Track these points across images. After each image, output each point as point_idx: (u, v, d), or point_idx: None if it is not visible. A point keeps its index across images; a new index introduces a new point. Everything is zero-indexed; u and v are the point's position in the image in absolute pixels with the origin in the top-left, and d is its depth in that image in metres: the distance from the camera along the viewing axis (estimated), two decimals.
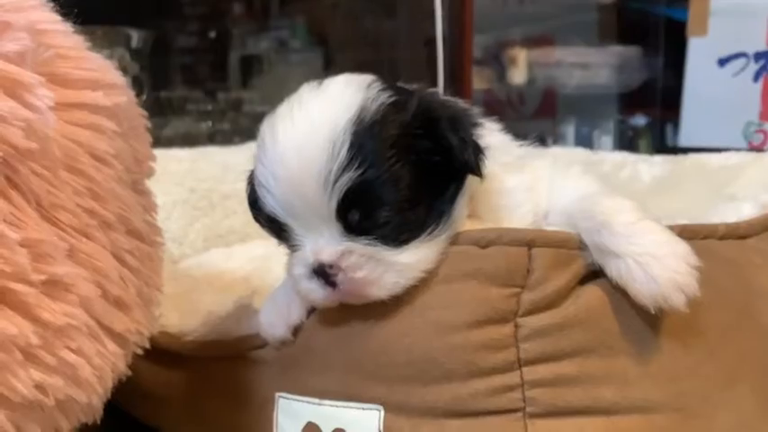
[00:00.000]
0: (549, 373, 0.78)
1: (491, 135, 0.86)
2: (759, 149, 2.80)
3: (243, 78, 3.12)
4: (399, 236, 0.77)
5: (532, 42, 3.41)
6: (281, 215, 0.79)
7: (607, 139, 3.50)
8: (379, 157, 0.75)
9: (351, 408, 0.83)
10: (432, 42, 2.81)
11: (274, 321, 0.88)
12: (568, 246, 0.79)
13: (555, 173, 0.88)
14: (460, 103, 0.85)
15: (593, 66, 3.36)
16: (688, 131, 3.00)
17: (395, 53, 3.22)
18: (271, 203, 0.79)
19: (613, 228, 0.76)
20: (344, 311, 0.82)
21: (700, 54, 2.90)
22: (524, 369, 0.78)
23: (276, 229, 0.82)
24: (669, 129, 3.56)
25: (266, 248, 1.54)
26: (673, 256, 0.74)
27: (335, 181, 0.74)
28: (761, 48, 2.75)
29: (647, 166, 1.67)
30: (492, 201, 0.84)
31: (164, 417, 1.04)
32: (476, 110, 0.85)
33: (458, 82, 2.77)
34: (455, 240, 0.80)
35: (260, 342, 0.92)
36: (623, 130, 3.58)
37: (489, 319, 0.78)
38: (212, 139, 2.65)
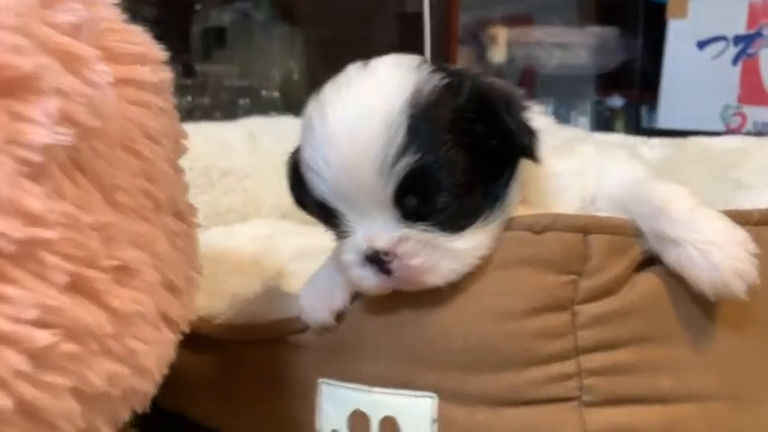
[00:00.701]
0: (606, 361, 0.77)
1: (537, 118, 0.84)
2: (736, 133, 2.84)
3: (205, 51, 3.05)
4: (456, 222, 0.75)
5: (513, 21, 3.40)
6: (332, 200, 0.77)
7: (584, 120, 3.51)
8: (435, 141, 0.73)
9: (402, 395, 0.81)
10: (404, 18, 2.78)
11: (317, 306, 0.86)
12: (624, 232, 0.78)
13: (601, 157, 0.87)
14: (509, 85, 0.82)
15: (572, 46, 3.37)
16: (666, 113, 3.02)
17: (365, 29, 3.17)
18: (321, 188, 0.77)
19: (672, 214, 0.75)
20: (394, 298, 0.80)
21: (679, 36, 2.92)
22: (581, 357, 0.77)
23: (325, 214, 0.79)
24: (645, 110, 3.58)
25: (268, 228, 1.52)
26: (733, 243, 0.74)
27: (392, 166, 0.72)
28: (740, 31, 2.77)
29: (648, 149, 1.66)
30: (540, 185, 0.83)
31: (193, 404, 1.00)
32: (522, 92, 0.82)
33: (443, 60, 2.74)
34: (508, 225, 0.79)
35: (299, 326, 0.90)
36: (600, 110, 3.59)
37: (546, 306, 0.77)
38: (191, 114, 2.60)
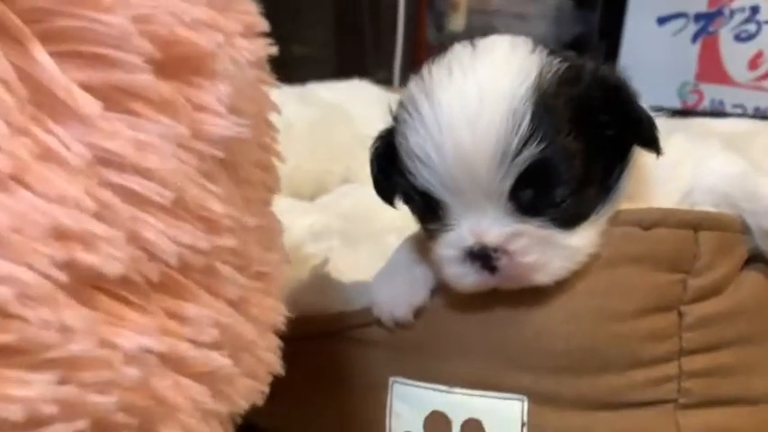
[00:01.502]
0: (707, 362, 0.75)
1: None
2: (692, 109, 2.87)
3: None
4: (572, 217, 0.70)
5: None
6: (438, 191, 0.70)
7: None
8: (559, 131, 0.68)
9: (488, 397, 0.76)
10: None
11: (395, 301, 0.80)
12: (733, 229, 0.75)
13: (695, 147, 0.83)
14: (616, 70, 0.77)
15: (530, 16, 3.34)
16: None
17: None
18: (427, 177, 0.70)
19: None
20: (486, 295, 0.74)
21: (639, 11, 2.92)
22: (683, 359, 0.74)
23: (425, 206, 0.73)
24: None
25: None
26: None
27: (516, 156, 0.66)
28: (701, 9, 2.79)
29: None
30: (640, 177, 0.78)
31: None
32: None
33: (412, 26, 2.69)
34: (615, 220, 0.74)
35: (364, 320, 0.83)
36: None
37: (656, 307, 0.73)
38: None
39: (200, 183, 0.41)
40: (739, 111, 2.73)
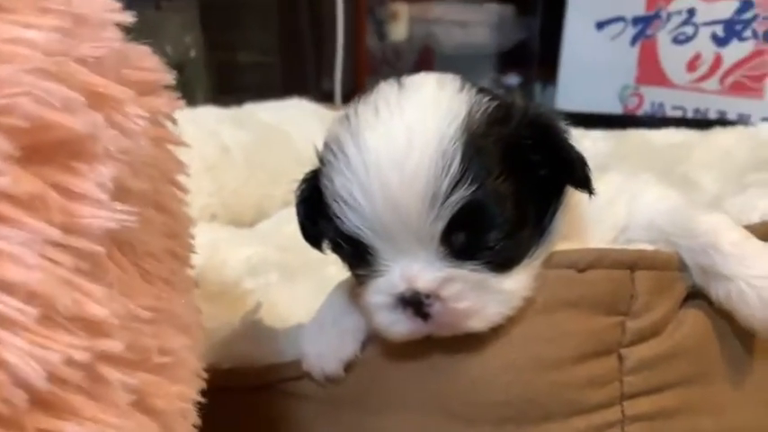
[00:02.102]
0: (650, 406, 0.73)
1: None
2: (633, 113, 2.89)
3: None
4: (505, 260, 0.68)
5: None
6: (367, 236, 0.67)
7: None
8: (490, 172, 0.65)
9: None
10: None
11: (324, 354, 0.76)
12: (670, 267, 0.73)
13: (629, 183, 0.81)
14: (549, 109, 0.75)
15: (472, 24, 3.33)
16: (564, 93, 3.03)
17: None
18: (354, 221, 0.67)
19: (722, 248, 0.70)
20: (421, 344, 0.71)
21: (578, 16, 2.93)
22: (625, 403, 0.72)
23: (354, 251, 0.69)
24: (538, 89, 3.61)
25: (206, 235, 1.39)
26: None
27: (446, 198, 0.64)
28: (639, 12, 2.81)
29: (591, 142, 1.63)
30: (574, 216, 0.76)
31: None
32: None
33: (352, 36, 2.66)
34: (550, 262, 0.72)
35: (295, 372, 0.80)
36: (496, 89, 3.59)
37: (595, 351, 0.71)
38: None
39: (77, 284, 0.36)
40: (680, 113, 2.75)
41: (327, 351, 0.76)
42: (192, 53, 2.70)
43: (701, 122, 2.44)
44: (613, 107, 2.88)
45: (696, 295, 0.75)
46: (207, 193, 1.51)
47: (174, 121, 0.59)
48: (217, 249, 1.30)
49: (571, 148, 0.69)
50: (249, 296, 1.16)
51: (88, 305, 0.36)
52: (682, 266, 0.73)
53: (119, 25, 0.50)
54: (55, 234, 0.35)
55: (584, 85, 2.94)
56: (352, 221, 0.67)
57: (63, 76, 0.40)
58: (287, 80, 3.09)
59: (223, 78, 2.91)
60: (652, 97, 2.84)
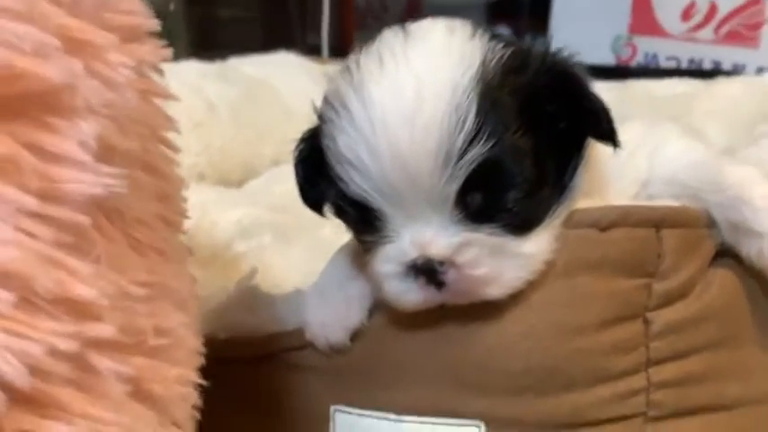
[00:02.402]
0: (676, 372, 0.68)
1: None
2: (626, 63, 2.84)
3: None
4: (525, 222, 0.62)
5: None
6: (374, 199, 0.61)
7: None
8: (507, 127, 0.60)
9: (441, 424, 0.68)
10: None
11: (328, 323, 0.71)
12: (698, 224, 0.68)
13: (652, 134, 0.75)
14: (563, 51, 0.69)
15: None
16: (556, 45, 2.96)
17: None
18: (360, 185, 0.61)
19: (753, 202, 0.66)
20: (434, 312, 0.66)
21: None
22: (651, 370, 0.68)
23: (360, 216, 0.64)
24: (529, 39, 3.52)
25: (194, 196, 1.33)
26: None
27: (461, 157, 0.58)
28: None
29: None
30: (594, 171, 0.71)
31: None
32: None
33: None
34: (570, 221, 0.67)
35: (298, 342, 0.75)
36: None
37: (618, 316, 0.66)
38: None
39: (60, 261, 0.31)
40: (673, 63, 2.70)
41: (332, 319, 0.71)
42: (171, 6, 2.61)
43: (694, 73, 2.38)
44: (606, 58, 2.83)
45: (725, 253, 0.70)
46: (194, 153, 1.45)
47: (160, 72, 0.53)
48: (206, 211, 1.24)
49: (594, 97, 0.63)
50: (242, 260, 1.11)
51: (73, 285, 0.31)
52: (710, 223, 0.69)
53: None
54: (31, 203, 0.29)
55: (575, 35, 2.86)
56: (357, 184, 0.61)
57: (34, 17, 0.34)
58: (269, 35, 3.00)
59: (203, 34, 2.82)
60: (645, 47, 2.78)
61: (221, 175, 1.52)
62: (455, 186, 0.59)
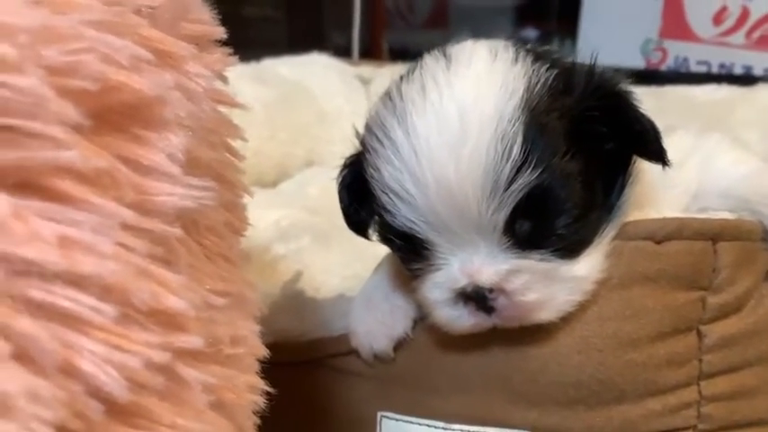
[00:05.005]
0: (728, 385, 0.68)
1: None
2: (656, 67, 2.82)
3: None
4: (575, 245, 0.62)
5: None
6: (422, 229, 0.61)
7: None
8: (555, 152, 0.59)
9: None
10: None
11: (374, 332, 0.71)
12: (754, 237, 0.68)
13: (702, 145, 0.75)
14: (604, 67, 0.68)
15: None
16: (585, 47, 2.95)
17: None
18: (408, 215, 0.61)
19: None
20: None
21: None
22: (702, 383, 0.67)
23: (407, 246, 0.64)
24: (557, 43, 3.52)
25: None
26: None
27: (509, 185, 0.57)
28: None
29: None
30: (643, 184, 0.70)
31: None
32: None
33: None
34: (625, 233, 0.66)
35: (345, 347, 0.75)
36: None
37: (674, 329, 0.66)
38: None
39: (153, 273, 0.31)
40: (704, 68, 2.68)
41: (377, 328, 0.71)
42: None
43: (725, 77, 2.37)
44: (635, 62, 2.81)
45: None
46: None
47: (225, 81, 0.53)
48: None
49: (643, 117, 0.63)
50: (280, 262, 1.11)
51: (165, 297, 0.31)
52: (766, 236, 0.68)
53: None
54: (128, 216, 0.29)
55: (605, 38, 2.85)
56: (404, 215, 0.61)
57: (125, 29, 0.34)
58: (295, 35, 3.01)
59: (229, 33, 2.82)
60: (676, 51, 2.76)
61: (257, 176, 1.52)
62: (503, 215, 0.58)
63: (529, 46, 0.66)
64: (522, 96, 0.59)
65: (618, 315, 0.65)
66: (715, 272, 0.66)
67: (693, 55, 2.71)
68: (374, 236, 0.71)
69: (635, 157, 0.66)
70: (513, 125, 0.58)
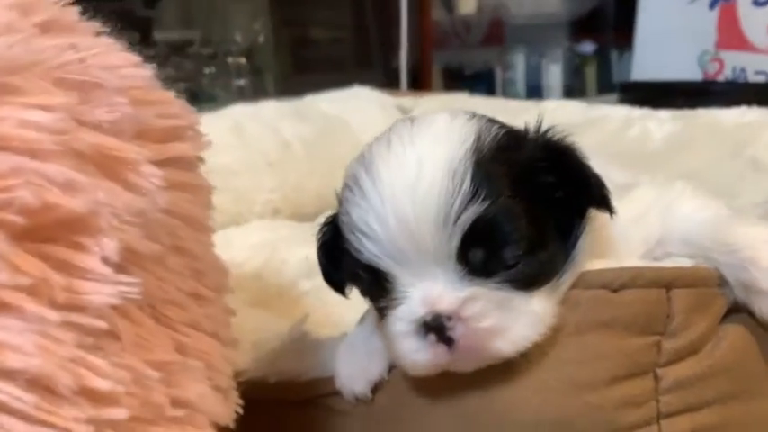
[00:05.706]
0: (688, 424, 0.71)
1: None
2: (713, 79, 2.80)
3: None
4: (529, 279, 0.67)
5: None
6: (385, 263, 0.68)
7: (555, 68, 3.44)
8: (501, 191, 0.66)
9: None
10: None
11: (354, 375, 0.78)
12: (709, 284, 0.72)
13: (664, 194, 0.79)
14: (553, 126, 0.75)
15: None
16: (641, 60, 2.95)
17: None
18: (371, 250, 0.68)
19: (763, 263, 0.69)
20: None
21: None
22: (663, 422, 0.71)
23: (374, 281, 0.70)
24: (615, 56, 3.52)
25: (267, 233, 1.43)
26: None
27: (458, 216, 0.65)
28: None
29: (657, 124, 1.59)
30: (602, 235, 0.75)
31: None
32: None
33: (417, 11, 2.65)
34: (581, 282, 0.71)
35: (333, 388, 0.81)
36: (570, 57, 3.52)
37: (629, 372, 0.70)
38: None
39: (81, 360, 0.38)
40: (762, 78, 2.66)
41: (356, 371, 0.78)
42: (261, 38, 2.74)
43: None
44: (693, 74, 2.80)
45: (738, 309, 0.73)
46: (268, 189, 1.55)
47: (201, 162, 0.61)
48: (276, 249, 1.33)
49: (587, 168, 0.69)
50: (304, 298, 1.19)
51: (90, 379, 0.38)
52: (722, 282, 0.72)
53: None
54: (56, 317, 0.37)
55: (661, 51, 2.85)
56: (369, 250, 0.68)
57: (69, 151, 0.42)
58: (356, 55, 3.10)
59: (296, 56, 2.93)
60: (733, 62, 2.74)
61: (296, 209, 1.61)
62: (455, 243, 0.65)
63: (488, 117, 0.73)
64: (473, 145, 0.67)
65: (574, 359, 0.70)
66: (669, 317, 0.70)
67: (750, 65, 2.69)
68: (349, 292, 0.77)
69: (590, 210, 0.71)
70: (463, 165, 0.66)
